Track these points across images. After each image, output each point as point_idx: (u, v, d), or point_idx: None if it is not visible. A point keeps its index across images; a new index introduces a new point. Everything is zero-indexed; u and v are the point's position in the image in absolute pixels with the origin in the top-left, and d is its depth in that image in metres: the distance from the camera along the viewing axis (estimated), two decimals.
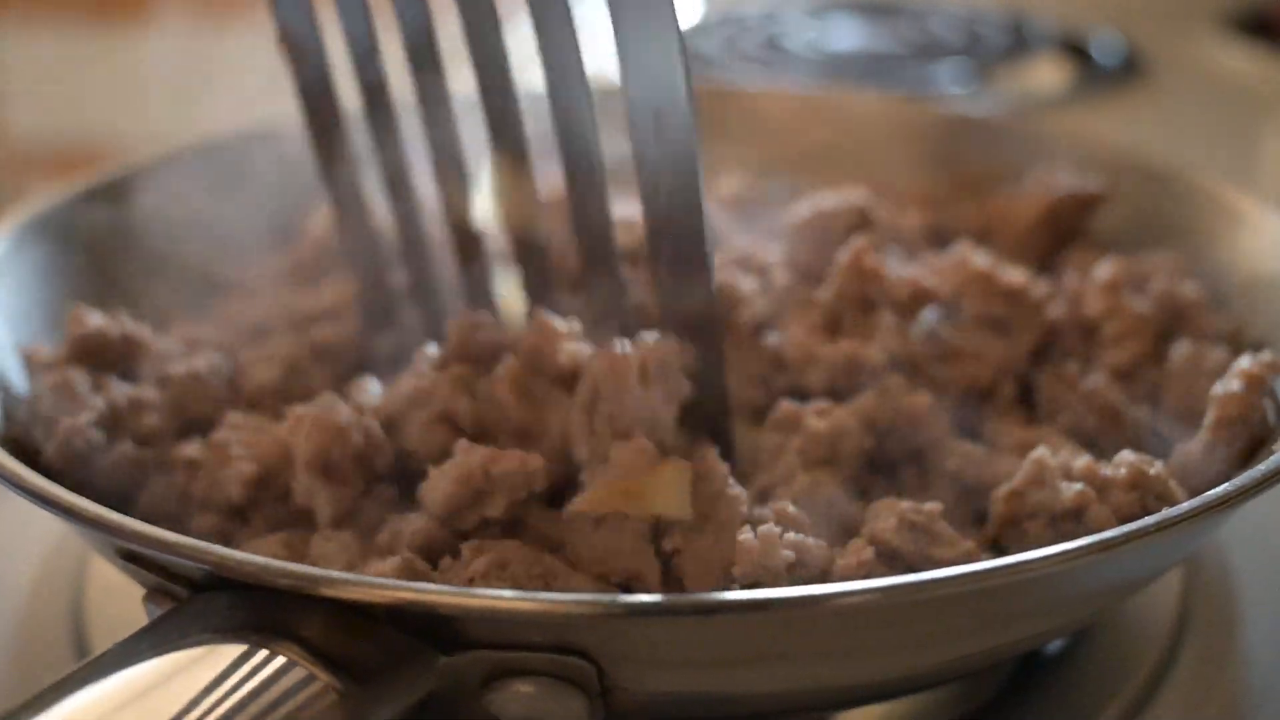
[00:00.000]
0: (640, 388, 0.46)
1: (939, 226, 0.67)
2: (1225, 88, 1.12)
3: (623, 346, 0.46)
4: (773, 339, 0.55)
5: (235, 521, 0.49)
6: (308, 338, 0.57)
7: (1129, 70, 1.12)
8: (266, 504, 0.48)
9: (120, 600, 0.52)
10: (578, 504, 0.44)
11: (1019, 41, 1.16)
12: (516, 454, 0.45)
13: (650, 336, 0.47)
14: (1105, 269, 0.59)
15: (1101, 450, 0.50)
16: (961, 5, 1.28)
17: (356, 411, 0.48)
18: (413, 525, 0.45)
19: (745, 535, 0.43)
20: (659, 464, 0.44)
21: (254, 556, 0.38)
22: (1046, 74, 1.11)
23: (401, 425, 0.49)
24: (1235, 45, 1.17)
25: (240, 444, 0.49)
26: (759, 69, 1.08)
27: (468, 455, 0.45)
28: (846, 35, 1.19)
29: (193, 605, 0.38)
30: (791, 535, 0.44)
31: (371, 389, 0.52)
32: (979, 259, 0.58)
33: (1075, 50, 1.16)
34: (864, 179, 0.66)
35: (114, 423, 0.51)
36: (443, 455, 0.47)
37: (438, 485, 0.45)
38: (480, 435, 0.48)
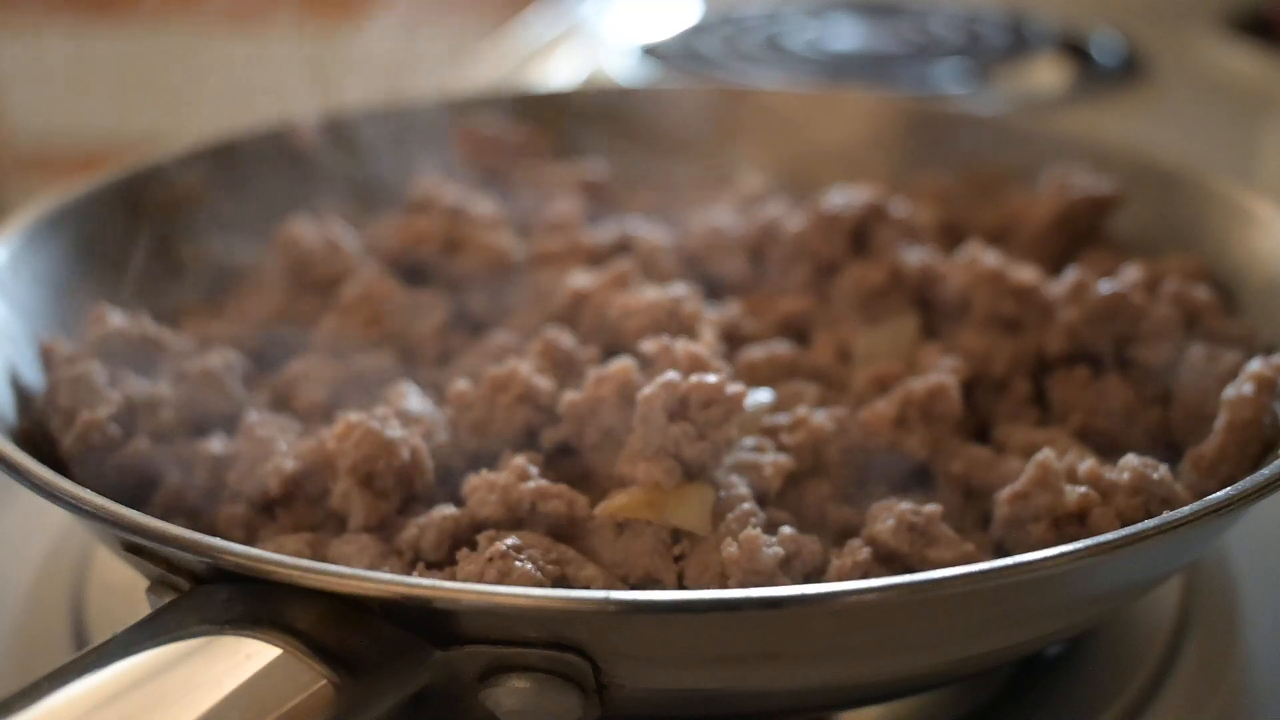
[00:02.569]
0: (666, 419, 0.46)
1: (953, 224, 0.67)
2: (1225, 88, 1.12)
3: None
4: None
5: (263, 516, 0.49)
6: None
7: (1129, 70, 1.12)
8: (299, 503, 0.49)
9: (120, 596, 0.53)
10: (606, 508, 0.45)
11: (1019, 41, 1.16)
12: (566, 493, 0.46)
13: (712, 377, 0.47)
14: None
15: (1114, 453, 0.50)
16: (961, 5, 1.28)
17: (406, 427, 0.48)
18: (443, 513, 0.46)
19: (729, 548, 0.43)
20: (684, 484, 0.46)
21: (253, 549, 0.38)
22: (1046, 74, 1.11)
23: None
24: (1235, 45, 1.17)
25: (285, 440, 0.49)
26: (759, 69, 1.08)
27: (522, 483, 0.46)
28: (846, 35, 1.19)
29: (193, 597, 0.38)
30: (785, 530, 0.45)
31: (411, 398, 0.52)
32: (989, 258, 0.58)
33: (1075, 50, 1.16)
34: (879, 177, 0.66)
35: (130, 417, 0.51)
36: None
37: (486, 499, 0.46)
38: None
